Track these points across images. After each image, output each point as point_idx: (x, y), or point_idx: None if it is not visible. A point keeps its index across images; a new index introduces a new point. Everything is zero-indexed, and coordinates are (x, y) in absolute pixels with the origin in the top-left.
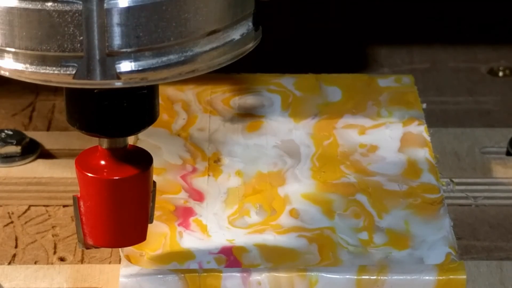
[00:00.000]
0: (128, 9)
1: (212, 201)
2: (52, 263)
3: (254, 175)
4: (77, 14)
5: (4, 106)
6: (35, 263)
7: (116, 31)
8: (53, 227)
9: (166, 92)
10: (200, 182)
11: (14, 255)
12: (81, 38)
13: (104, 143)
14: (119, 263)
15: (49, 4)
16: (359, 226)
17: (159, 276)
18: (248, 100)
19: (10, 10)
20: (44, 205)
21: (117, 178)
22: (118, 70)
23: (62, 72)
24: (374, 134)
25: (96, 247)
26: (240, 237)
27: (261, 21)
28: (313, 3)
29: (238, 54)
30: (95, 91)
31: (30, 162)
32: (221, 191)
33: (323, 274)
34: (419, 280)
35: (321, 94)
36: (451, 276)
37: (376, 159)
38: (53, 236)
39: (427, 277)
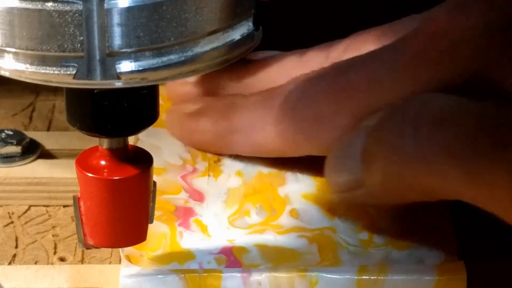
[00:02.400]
0: (128, 9)
1: (212, 201)
2: (52, 263)
3: (254, 175)
4: (77, 14)
5: (4, 106)
6: (35, 263)
7: (117, 31)
8: (53, 227)
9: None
10: (200, 182)
11: (14, 255)
12: (81, 38)
13: (104, 143)
14: (119, 263)
15: (49, 4)
16: (359, 226)
17: (159, 276)
18: None
19: (10, 10)
20: (44, 205)
21: (117, 178)
22: (118, 70)
23: (62, 72)
24: None
25: (96, 247)
26: (240, 237)
27: (262, 21)
28: (313, 3)
29: (238, 54)
30: (95, 91)
31: (30, 162)
32: (221, 191)
33: (323, 274)
34: (419, 280)
35: None
36: (451, 276)
37: None
38: (53, 236)
39: (427, 277)
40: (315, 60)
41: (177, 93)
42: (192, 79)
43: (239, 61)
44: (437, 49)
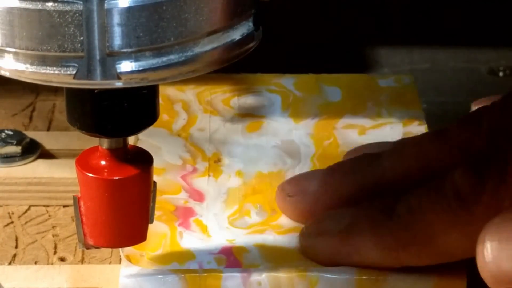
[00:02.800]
0: (128, 9)
1: (212, 201)
2: (52, 263)
3: (254, 175)
4: (77, 14)
5: (4, 106)
6: (35, 263)
7: (117, 31)
8: (53, 227)
9: (166, 92)
10: (200, 182)
11: (14, 255)
12: (82, 38)
13: (105, 143)
14: (119, 263)
15: (50, 4)
16: None
17: (159, 276)
18: (248, 100)
19: (10, 10)
20: (44, 205)
21: (117, 178)
22: (118, 70)
23: (62, 72)
24: (374, 134)
25: (96, 247)
26: (240, 237)
27: (262, 21)
28: (313, 3)
29: (239, 54)
30: (95, 91)
31: (30, 162)
32: (221, 191)
33: (323, 274)
34: (419, 280)
35: (321, 94)
36: (451, 276)
37: None
38: (53, 236)
39: (427, 277)
40: (462, 136)
41: (300, 208)
42: (313, 187)
43: (356, 160)
44: None
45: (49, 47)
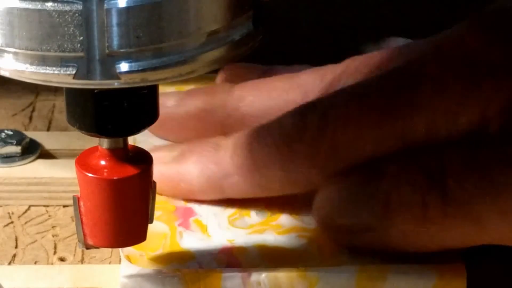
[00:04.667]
0: (128, 9)
1: (212, 201)
2: (52, 263)
3: None
4: (77, 14)
5: (4, 106)
6: (35, 263)
7: (116, 31)
8: (53, 227)
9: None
10: None
11: (14, 255)
12: (81, 38)
13: (104, 143)
14: (119, 263)
15: (49, 4)
16: None
17: (159, 276)
18: None
19: (10, 10)
20: (44, 205)
21: (117, 178)
22: (118, 70)
23: (62, 72)
24: None
25: (96, 247)
26: (240, 237)
27: (262, 21)
28: (312, 2)
29: (238, 54)
30: (95, 91)
31: (30, 162)
32: None
33: (323, 274)
34: (419, 280)
35: None
36: (451, 277)
37: None
38: (53, 236)
39: (427, 277)
40: (309, 84)
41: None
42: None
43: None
44: (473, 74)
45: (49, 47)
